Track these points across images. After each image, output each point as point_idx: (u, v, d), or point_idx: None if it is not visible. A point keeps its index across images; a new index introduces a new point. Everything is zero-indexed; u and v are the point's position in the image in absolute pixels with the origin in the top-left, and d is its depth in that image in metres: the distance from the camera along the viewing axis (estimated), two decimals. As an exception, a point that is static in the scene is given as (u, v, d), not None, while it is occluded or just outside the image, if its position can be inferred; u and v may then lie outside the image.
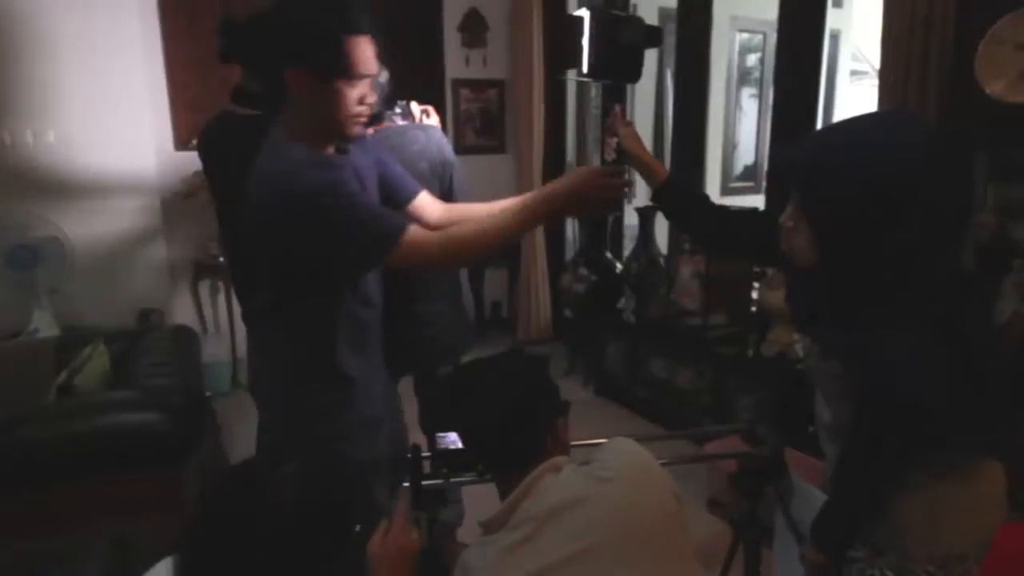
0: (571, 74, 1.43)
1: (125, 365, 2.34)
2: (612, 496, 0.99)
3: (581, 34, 1.37)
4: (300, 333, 1.40)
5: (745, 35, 5.13)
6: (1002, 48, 2.04)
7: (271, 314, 1.43)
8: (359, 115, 1.30)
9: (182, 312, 3.55)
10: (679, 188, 1.46)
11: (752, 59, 5.30)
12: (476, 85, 4.29)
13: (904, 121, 1.13)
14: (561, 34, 4.14)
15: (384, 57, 1.33)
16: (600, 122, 3.75)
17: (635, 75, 1.44)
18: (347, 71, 1.23)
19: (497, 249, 1.38)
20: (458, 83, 4.25)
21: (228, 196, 1.97)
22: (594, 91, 4.21)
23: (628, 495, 0.99)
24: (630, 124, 1.43)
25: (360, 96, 1.28)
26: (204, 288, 3.66)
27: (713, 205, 1.44)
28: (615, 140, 1.39)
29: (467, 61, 4.23)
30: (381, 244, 1.27)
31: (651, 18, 4.37)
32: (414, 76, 3.70)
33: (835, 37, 5.26)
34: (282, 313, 1.40)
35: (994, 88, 2.06)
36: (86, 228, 3.19)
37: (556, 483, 1.01)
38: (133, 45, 3.21)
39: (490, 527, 1.03)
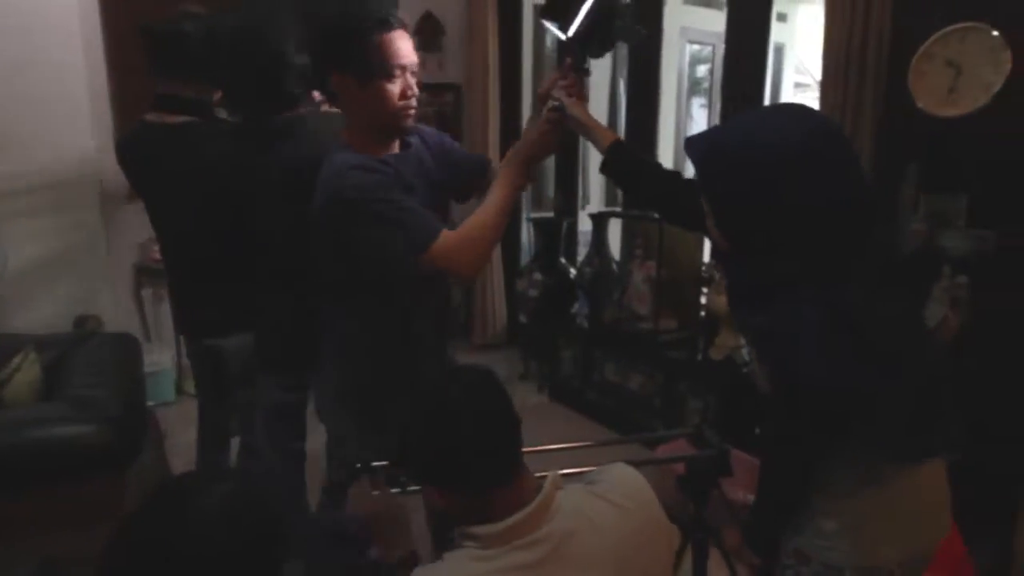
0: (548, 24, 1.45)
1: (58, 375, 2.24)
2: (628, 527, 0.97)
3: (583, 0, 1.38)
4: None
5: (695, 46, 5.25)
6: (932, 64, 2.13)
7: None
8: (406, 108, 1.37)
9: (123, 319, 3.42)
10: (628, 150, 1.44)
11: (702, 70, 5.43)
12: (432, 89, 4.27)
13: (789, 114, 1.11)
14: (518, 39, 4.16)
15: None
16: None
17: (601, 53, 1.49)
18: (384, 70, 1.30)
19: (504, 221, 1.38)
20: (413, 87, 4.23)
21: (169, 205, 1.92)
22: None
23: (644, 530, 0.99)
24: (581, 98, 1.43)
25: (402, 90, 1.35)
26: (147, 295, 3.54)
27: (662, 169, 1.44)
28: (552, 103, 1.42)
29: (423, 65, 4.21)
30: (413, 246, 1.29)
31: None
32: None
33: (779, 50, 5.42)
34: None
35: (925, 102, 2.16)
36: (18, 231, 3.04)
37: (567, 502, 0.96)
38: (74, 47, 3.09)
39: (487, 542, 0.92)
